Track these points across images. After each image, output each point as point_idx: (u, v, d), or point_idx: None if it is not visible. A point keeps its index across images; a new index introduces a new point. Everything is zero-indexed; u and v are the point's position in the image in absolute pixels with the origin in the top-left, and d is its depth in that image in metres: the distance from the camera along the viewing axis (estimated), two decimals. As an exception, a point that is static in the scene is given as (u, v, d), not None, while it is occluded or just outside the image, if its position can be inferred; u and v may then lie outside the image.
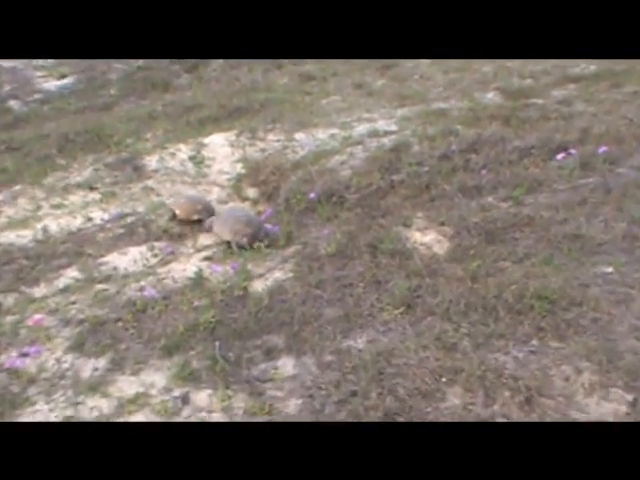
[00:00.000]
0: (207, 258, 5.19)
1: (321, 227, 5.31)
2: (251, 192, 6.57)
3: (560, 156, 5.75)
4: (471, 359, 3.53)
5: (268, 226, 5.37)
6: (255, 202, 6.45)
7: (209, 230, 5.64)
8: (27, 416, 3.56)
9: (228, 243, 5.37)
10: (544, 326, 3.73)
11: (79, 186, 6.83)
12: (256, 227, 5.40)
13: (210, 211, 5.94)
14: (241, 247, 5.25)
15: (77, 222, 6.05)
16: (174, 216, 5.89)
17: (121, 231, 5.83)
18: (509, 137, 6.17)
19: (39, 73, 11.95)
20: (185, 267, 5.03)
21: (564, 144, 5.91)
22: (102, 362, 3.99)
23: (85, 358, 4.05)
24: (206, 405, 3.53)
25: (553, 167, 5.62)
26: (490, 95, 7.97)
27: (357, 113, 7.97)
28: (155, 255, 5.36)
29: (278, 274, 4.70)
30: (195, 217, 5.84)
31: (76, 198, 6.59)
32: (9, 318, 4.55)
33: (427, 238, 4.90)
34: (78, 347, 4.15)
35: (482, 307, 3.96)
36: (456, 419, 3.19)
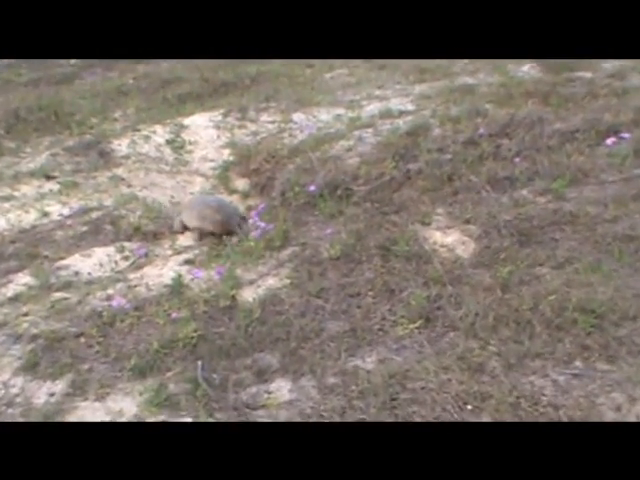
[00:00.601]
0: (188, 261, 5.20)
1: (323, 225, 5.33)
2: (240, 183, 6.60)
3: (610, 141, 5.76)
4: (501, 383, 3.55)
5: (261, 224, 5.39)
6: (245, 195, 6.48)
7: (179, 230, 5.73)
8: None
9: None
10: (590, 344, 3.74)
11: (32, 174, 6.83)
12: (228, 215, 5.57)
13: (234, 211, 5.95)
14: (210, 234, 5.47)
15: (30, 217, 6.06)
16: (184, 228, 5.82)
17: (84, 229, 5.84)
18: (548, 118, 6.20)
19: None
20: (161, 272, 5.04)
21: (615, 127, 5.93)
22: (60, 386, 3.98)
23: (39, 381, 4.04)
24: (185, 436, 3.55)
25: (601, 154, 5.64)
26: (526, 68, 8.00)
27: (367, 89, 8.00)
28: (125, 257, 5.37)
29: (272, 281, 4.72)
30: (233, 224, 5.76)
31: (29, 189, 6.60)
32: (-53, 332, 4.57)
33: (449, 239, 4.92)
34: (30, 368, 4.14)
35: (514, 321, 3.98)
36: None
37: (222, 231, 5.57)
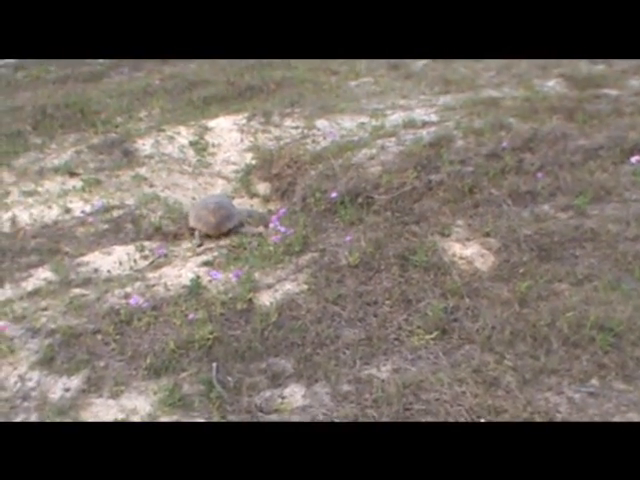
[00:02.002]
0: (206, 263, 5.20)
1: (343, 232, 5.32)
2: (262, 187, 6.61)
3: (635, 159, 5.72)
4: (516, 398, 3.52)
5: (281, 229, 5.39)
6: (266, 199, 6.48)
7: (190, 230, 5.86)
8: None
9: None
10: (607, 363, 3.71)
11: (57, 171, 6.88)
12: (224, 217, 5.67)
13: (236, 213, 5.93)
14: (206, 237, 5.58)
15: (53, 213, 6.10)
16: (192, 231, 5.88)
17: (105, 226, 5.87)
18: (572, 134, 6.16)
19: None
20: (180, 272, 5.05)
21: (640, 145, 5.89)
22: (75, 381, 4.01)
23: (55, 376, 4.07)
24: (197, 438, 3.54)
25: (625, 172, 5.60)
26: (552, 83, 7.96)
27: (391, 99, 7.99)
28: (145, 257, 5.39)
29: (290, 286, 4.71)
30: (228, 226, 5.82)
31: (52, 185, 6.64)
32: (-34, 324, 4.59)
33: (468, 251, 4.90)
34: (47, 362, 4.17)
35: (531, 336, 3.95)
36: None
37: (215, 233, 5.67)
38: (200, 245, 5.59)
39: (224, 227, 5.68)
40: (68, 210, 6.12)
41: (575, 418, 3.37)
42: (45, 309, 4.69)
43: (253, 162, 6.92)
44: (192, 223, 5.76)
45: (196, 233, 5.69)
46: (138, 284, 4.91)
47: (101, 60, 11.43)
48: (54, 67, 11.14)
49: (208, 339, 4.17)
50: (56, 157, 7.22)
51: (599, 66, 8.34)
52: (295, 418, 3.60)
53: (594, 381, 3.62)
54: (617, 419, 3.36)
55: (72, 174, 6.81)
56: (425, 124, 6.90)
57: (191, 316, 4.41)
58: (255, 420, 3.60)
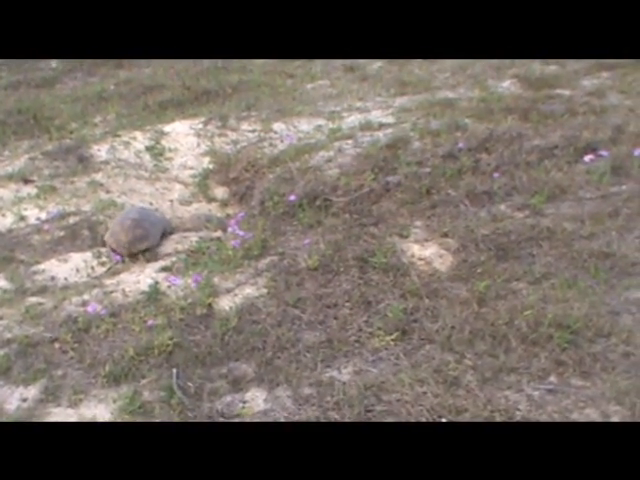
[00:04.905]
0: (165, 268, 5.16)
1: (302, 235, 5.32)
2: (220, 192, 6.59)
3: (588, 158, 5.79)
4: (476, 397, 3.55)
5: (240, 233, 5.37)
6: (224, 204, 6.47)
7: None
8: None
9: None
10: (565, 360, 3.75)
11: (10, 178, 6.80)
12: (137, 237, 5.39)
13: (157, 232, 5.67)
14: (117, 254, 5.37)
15: (7, 221, 6.03)
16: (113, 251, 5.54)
17: (61, 234, 5.82)
18: (527, 134, 6.23)
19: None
20: (138, 279, 5.02)
21: (593, 144, 5.96)
22: (32, 391, 3.96)
23: (11, 386, 4.02)
24: (158, 445, 3.52)
25: (579, 171, 5.67)
26: (506, 83, 8.04)
27: (348, 101, 8.02)
28: (102, 263, 5.35)
29: (249, 290, 4.71)
30: (139, 248, 5.52)
31: (6, 192, 6.56)
32: None
33: (427, 252, 4.92)
34: (3, 372, 4.12)
35: (490, 335, 3.99)
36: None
37: (125, 253, 5.39)
38: (117, 264, 5.35)
39: (135, 248, 5.41)
40: (23, 217, 6.06)
41: (534, 415, 3.41)
42: (0, 318, 4.63)
43: (210, 166, 6.90)
44: (106, 237, 5.50)
45: (107, 249, 5.47)
46: (96, 291, 4.86)
47: (54, 65, 11.32)
48: (5, 72, 11.01)
49: (168, 345, 4.15)
50: (9, 164, 7.14)
51: (552, 67, 8.44)
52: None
53: (552, 378, 3.66)
54: (575, 415, 3.40)
55: (26, 181, 6.74)
56: (382, 126, 6.94)
57: (150, 322, 4.38)
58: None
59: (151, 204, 6.49)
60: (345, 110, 7.67)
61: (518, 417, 3.41)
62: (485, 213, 5.25)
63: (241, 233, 5.39)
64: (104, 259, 5.38)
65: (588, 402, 3.47)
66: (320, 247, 4.98)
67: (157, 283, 4.81)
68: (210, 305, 4.53)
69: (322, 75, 9.42)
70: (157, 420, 3.64)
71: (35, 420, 3.70)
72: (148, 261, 5.33)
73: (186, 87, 9.25)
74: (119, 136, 7.56)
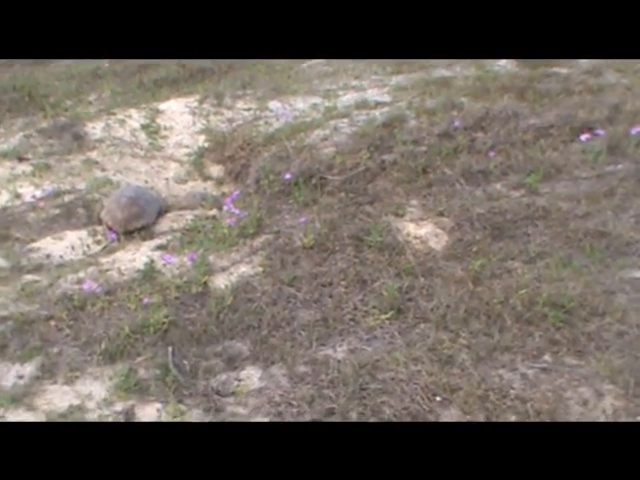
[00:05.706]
0: (160, 247, 5.16)
1: (297, 214, 5.32)
2: (215, 170, 6.57)
3: (584, 137, 5.78)
4: (470, 375, 3.57)
5: (236, 211, 5.36)
6: (220, 182, 6.45)
7: None
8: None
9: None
10: (559, 339, 3.77)
11: (5, 155, 6.77)
12: (132, 215, 5.45)
13: (152, 210, 5.72)
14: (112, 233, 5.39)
15: (2, 199, 6.01)
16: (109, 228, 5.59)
17: (56, 212, 5.80)
18: (523, 113, 6.21)
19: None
20: (134, 257, 5.01)
21: (590, 123, 5.95)
22: (29, 368, 3.97)
23: (8, 363, 4.03)
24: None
25: (575, 150, 5.66)
26: (503, 62, 8.01)
27: (344, 79, 7.98)
28: (97, 242, 5.34)
29: (245, 268, 4.71)
30: (135, 225, 5.59)
31: (1, 170, 6.54)
32: None
33: (422, 231, 4.92)
34: (0, 350, 4.13)
35: (485, 314, 4.00)
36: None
37: (121, 230, 5.44)
38: (113, 242, 5.36)
39: (131, 225, 5.47)
40: (18, 195, 6.04)
41: (528, 394, 3.43)
42: (-4, 296, 4.64)
43: (206, 145, 6.87)
44: (102, 214, 5.55)
45: (103, 227, 5.50)
46: (91, 269, 4.86)
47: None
48: None
49: (163, 323, 4.16)
50: (4, 142, 7.10)
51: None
52: (252, 400, 3.60)
53: (547, 357, 3.68)
54: (569, 394, 3.42)
55: (21, 159, 6.71)
56: (378, 104, 6.92)
57: (146, 300, 4.38)
58: (212, 404, 3.60)
59: (146, 182, 6.47)
60: (341, 89, 7.64)
61: (512, 395, 3.43)
62: (481, 192, 5.25)
63: (236, 211, 5.38)
64: (99, 237, 5.37)
65: (582, 381, 3.49)
66: (315, 226, 4.97)
67: (153, 261, 4.81)
68: (205, 283, 4.53)
69: (318, 53, 9.38)
70: (152, 398, 3.65)
71: (31, 397, 3.71)
72: (144, 239, 5.33)
73: (181, 65, 9.20)
74: (114, 114, 7.53)
